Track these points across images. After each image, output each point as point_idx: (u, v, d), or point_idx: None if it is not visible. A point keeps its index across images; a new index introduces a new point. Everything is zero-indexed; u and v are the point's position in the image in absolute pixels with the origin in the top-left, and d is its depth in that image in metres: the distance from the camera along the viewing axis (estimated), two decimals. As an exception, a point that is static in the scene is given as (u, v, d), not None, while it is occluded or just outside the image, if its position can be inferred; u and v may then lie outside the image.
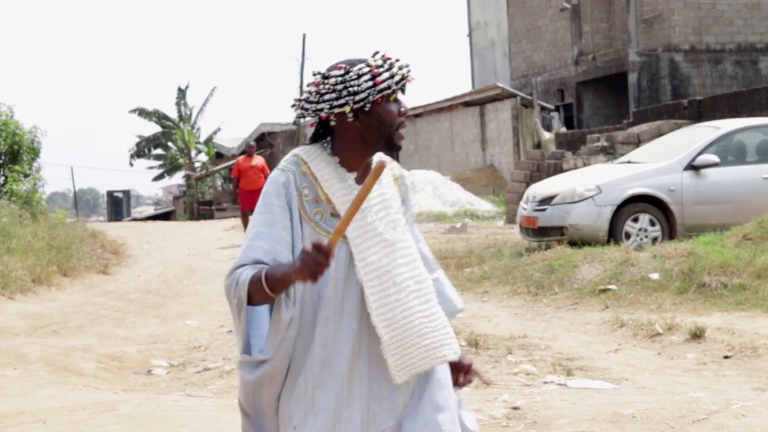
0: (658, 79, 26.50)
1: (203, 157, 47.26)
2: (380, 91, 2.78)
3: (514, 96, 28.09)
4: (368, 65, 2.80)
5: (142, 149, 48.02)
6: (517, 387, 6.92)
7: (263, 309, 2.84)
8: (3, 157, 19.86)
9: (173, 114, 46.48)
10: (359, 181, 2.86)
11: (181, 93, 45.96)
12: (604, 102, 29.26)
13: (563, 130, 25.48)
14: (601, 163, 16.18)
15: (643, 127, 18.24)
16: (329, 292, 2.80)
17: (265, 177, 18.57)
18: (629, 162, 13.44)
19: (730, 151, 12.72)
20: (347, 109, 2.78)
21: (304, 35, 38.85)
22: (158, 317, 11.33)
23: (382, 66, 2.80)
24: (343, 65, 2.81)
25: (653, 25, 27.16)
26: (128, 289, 13.44)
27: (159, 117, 46.75)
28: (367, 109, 2.80)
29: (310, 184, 2.83)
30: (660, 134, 16.76)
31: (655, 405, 6.15)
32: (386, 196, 2.89)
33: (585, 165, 17.30)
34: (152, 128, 48.56)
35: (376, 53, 2.83)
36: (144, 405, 6.41)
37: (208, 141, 46.61)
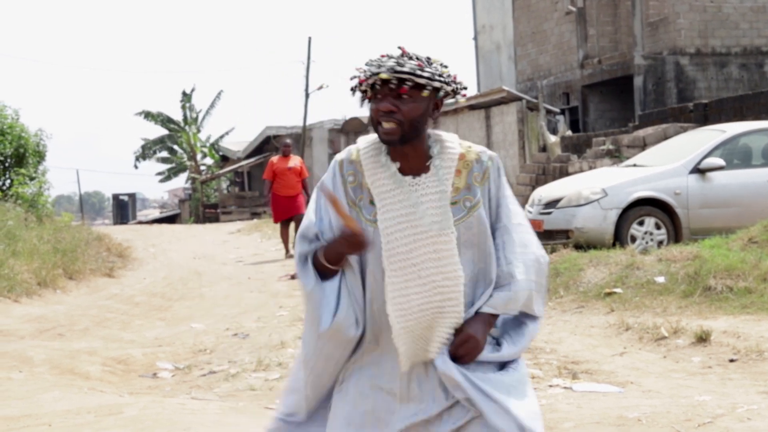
0: (664, 82, 26.46)
1: (209, 161, 47.31)
2: (354, 88, 2.87)
3: (520, 99, 28.05)
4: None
5: (147, 152, 48.06)
6: (522, 390, 6.90)
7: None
8: (9, 161, 19.90)
9: (178, 117, 46.54)
10: (403, 171, 2.90)
11: (186, 96, 46.00)
12: (610, 105, 29.21)
13: (569, 133, 25.46)
14: (606, 167, 16.16)
15: (649, 131, 18.21)
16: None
17: (303, 181, 16.39)
18: (635, 165, 13.43)
19: (736, 155, 12.70)
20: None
21: (310, 38, 38.86)
22: (164, 320, 11.33)
23: (372, 62, 2.85)
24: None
25: (659, 29, 27.12)
26: (134, 292, 13.45)
27: (164, 120, 46.78)
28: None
29: (356, 171, 2.92)
30: (666, 137, 16.73)
31: (661, 408, 6.14)
32: (440, 188, 2.89)
33: (590, 168, 17.27)
34: (158, 131, 48.68)
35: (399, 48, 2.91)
36: (149, 408, 6.41)
37: (214, 144, 46.61)
